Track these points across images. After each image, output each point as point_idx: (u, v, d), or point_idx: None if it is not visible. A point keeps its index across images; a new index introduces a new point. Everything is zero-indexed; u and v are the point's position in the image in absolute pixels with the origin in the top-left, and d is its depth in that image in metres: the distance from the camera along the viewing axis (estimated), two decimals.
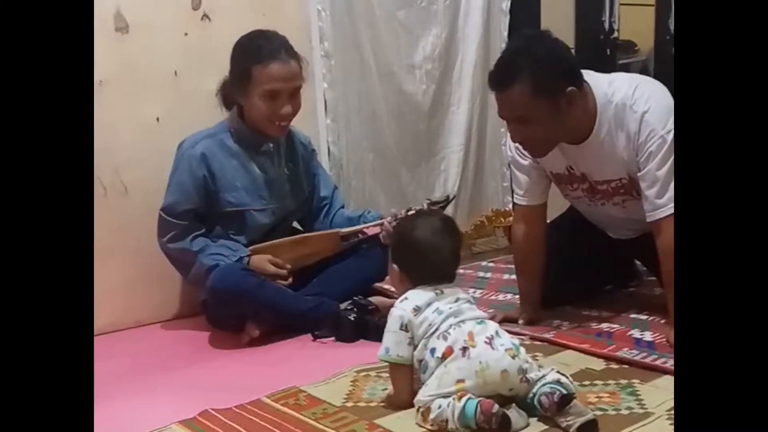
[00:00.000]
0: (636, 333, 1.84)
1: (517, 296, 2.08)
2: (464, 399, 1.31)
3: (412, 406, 1.42)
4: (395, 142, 2.84)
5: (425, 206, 2.14)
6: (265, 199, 2.16)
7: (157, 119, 2.27)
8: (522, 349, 1.42)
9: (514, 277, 2.12)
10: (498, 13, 3.04)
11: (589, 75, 1.79)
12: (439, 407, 1.34)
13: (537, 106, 1.69)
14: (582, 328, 1.92)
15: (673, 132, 1.67)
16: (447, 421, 1.32)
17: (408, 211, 2.13)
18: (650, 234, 1.78)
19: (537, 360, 1.69)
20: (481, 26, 2.99)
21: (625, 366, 1.63)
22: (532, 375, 1.39)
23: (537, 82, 1.66)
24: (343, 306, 2.00)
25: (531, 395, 1.37)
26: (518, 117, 1.73)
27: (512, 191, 2.03)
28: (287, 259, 2.09)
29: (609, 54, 3.21)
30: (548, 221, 2.06)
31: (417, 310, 1.44)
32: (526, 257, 2.02)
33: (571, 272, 2.01)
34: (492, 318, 1.98)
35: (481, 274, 2.68)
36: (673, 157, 1.67)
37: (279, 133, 2.14)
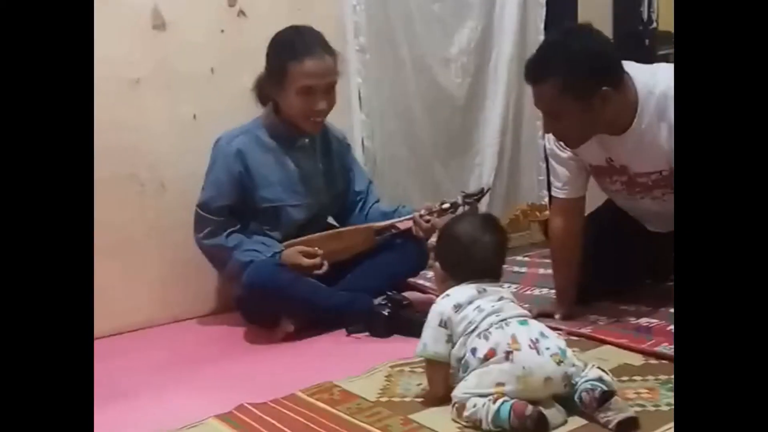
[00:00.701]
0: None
1: (553, 291, 2.06)
2: (499, 401, 1.30)
3: (447, 402, 1.41)
4: (430, 137, 2.83)
5: (459, 199, 2.13)
6: (300, 194, 2.17)
7: (194, 116, 2.29)
8: (569, 352, 1.38)
9: (549, 271, 2.10)
10: (534, 4, 3.01)
11: (630, 66, 1.77)
12: (474, 406, 1.32)
13: (568, 104, 1.68)
14: (620, 323, 1.89)
15: None
16: (481, 421, 1.31)
17: (442, 204, 2.12)
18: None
19: (574, 354, 1.68)
20: (517, 18, 2.96)
21: (665, 361, 1.60)
22: (576, 379, 1.35)
23: (568, 80, 1.66)
24: (377, 301, 2.00)
25: (576, 396, 1.35)
26: (549, 111, 1.73)
27: (549, 184, 2.00)
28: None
29: (648, 45, 3.16)
30: (586, 214, 2.04)
31: (458, 307, 1.43)
32: (563, 251, 1.99)
33: (608, 265, 1.97)
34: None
35: (516, 268, 2.66)
36: None
37: (314, 129, 2.14)
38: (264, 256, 2.03)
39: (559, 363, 1.34)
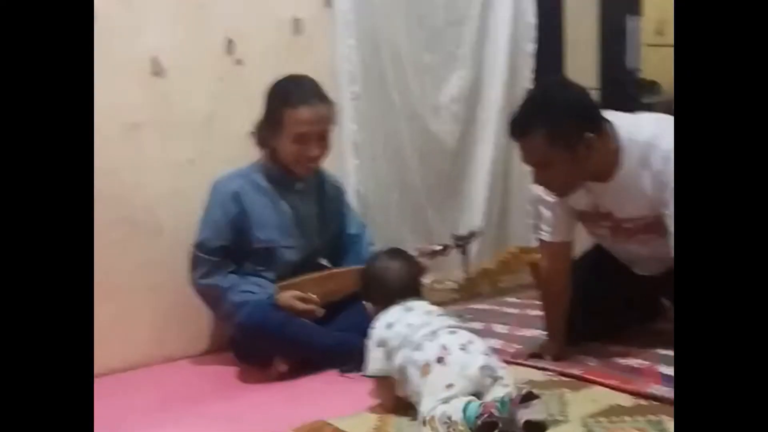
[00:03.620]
0: (664, 369, 1.83)
1: (544, 332, 2.08)
2: (464, 401, 1.42)
3: (395, 411, 1.62)
4: (421, 181, 2.88)
5: (451, 242, 2.16)
6: (294, 236, 2.20)
7: (191, 160, 2.34)
8: (493, 354, 1.56)
9: (539, 312, 2.12)
10: (523, 55, 3.08)
11: (613, 115, 1.83)
12: (443, 411, 1.44)
13: (554, 153, 1.73)
14: (610, 364, 1.90)
15: None
16: (451, 416, 1.41)
17: (433, 246, 2.16)
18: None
19: (565, 395, 1.70)
20: (506, 69, 3.03)
21: (655, 402, 1.62)
22: (503, 376, 1.52)
23: (553, 130, 1.71)
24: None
25: (503, 394, 1.45)
26: (537, 162, 1.79)
27: (537, 228, 2.05)
28: (315, 294, 2.12)
29: (632, 94, 3.24)
30: (574, 257, 2.07)
31: (390, 325, 1.63)
32: (552, 293, 2.03)
33: (596, 308, 2.01)
34: (518, 354, 2.00)
35: (506, 309, 2.68)
36: None
37: (307, 173, 2.19)
38: (258, 297, 2.06)
39: (486, 355, 1.53)
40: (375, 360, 1.64)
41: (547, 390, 1.74)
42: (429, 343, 1.54)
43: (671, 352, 1.94)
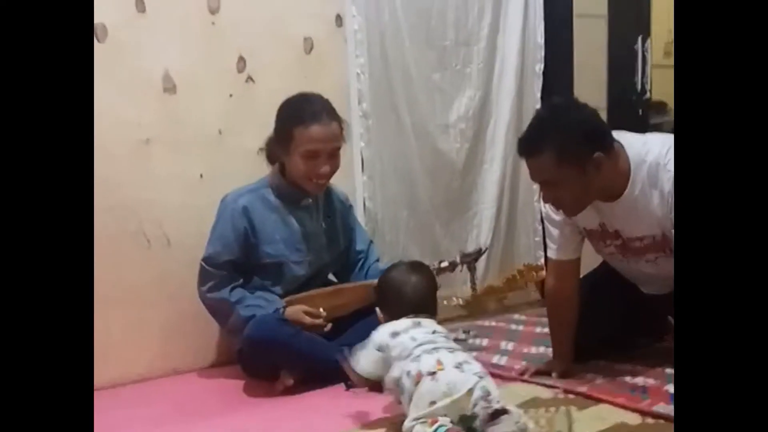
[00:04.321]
0: (671, 388, 1.82)
1: (550, 349, 2.09)
2: (436, 425, 1.43)
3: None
4: (429, 198, 2.89)
5: (458, 259, 2.17)
6: (303, 251, 2.22)
7: (201, 176, 2.36)
8: (488, 377, 1.54)
9: (546, 330, 2.12)
10: (531, 75, 3.10)
11: (621, 135, 1.85)
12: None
13: (563, 173, 1.75)
14: (617, 383, 1.90)
15: None
16: None
17: (440, 263, 2.17)
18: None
19: (571, 413, 1.69)
20: (514, 88, 3.05)
21: (661, 421, 1.62)
22: (494, 403, 1.49)
23: (562, 150, 1.73)
24: None
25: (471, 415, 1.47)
26: (546, 181, 1.81)
27: (545, 245, 2.05)
28: (322, 309, 2.12)
29: (641, 114, 3.25)
30: (582, 275, 2.08)
31: (395, 334, 1.63)
32: (558, 310, 2.03)
33: (603, 326, 2.01)
34: (525, 371, 2.00)
35: (513, 326, 2.68)
36: None
37: (317, 190, 2.21)
38: (266, 311, 2.07)
39: (480, 378, 1.51)
40: (368, 361, 1.65)
41: (553, 407, 1.74)
42: (427, 356, 1.55)
43: None
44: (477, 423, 1.47)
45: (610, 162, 1.78)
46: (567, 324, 2.00)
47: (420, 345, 1.58)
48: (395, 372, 1.58)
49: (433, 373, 1.50)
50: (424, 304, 1.73)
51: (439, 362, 1.52)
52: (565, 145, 1.73)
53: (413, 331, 1.63)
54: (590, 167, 1.75)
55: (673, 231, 1.76)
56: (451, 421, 1.45)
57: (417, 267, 1.84)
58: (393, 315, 1.71)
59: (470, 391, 1.47)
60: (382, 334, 1.65)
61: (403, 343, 1.60)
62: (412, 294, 1.73)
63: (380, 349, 1.63)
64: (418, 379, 1.51)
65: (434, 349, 1.57)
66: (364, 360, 1.66)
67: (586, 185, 1.77)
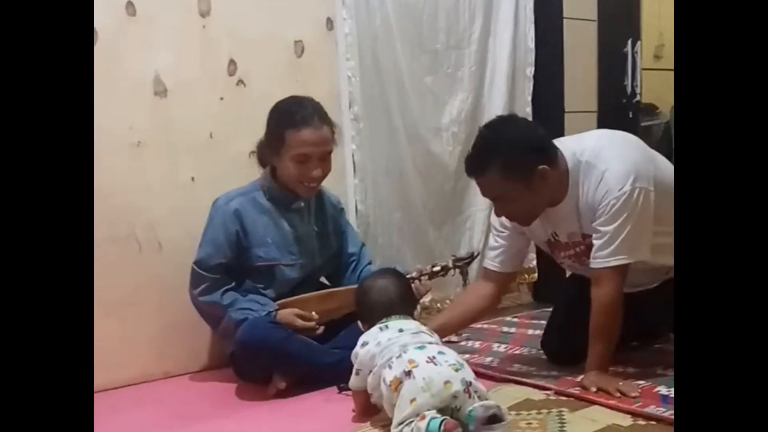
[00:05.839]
0: (663, 390, 1.83)
1: (541, 351, 2.13)
2: (427, 418, 1.43)
3: (368, 416, 1.72)
4: (422, 201, 2.90)
5: (450, 262, 2.18)
6: (294, 254, 2.22)
7: (192, 179, 2.35)
8: (467, 366, 1.57)
9: (538, 332, 2.14)
10: (522, 78, 3.12)
11: (561, 141, 1.93)
12: None
13: (510, 188, 1.83)
14: None
15: (630, 191, 1.78)
16: None
17: (433, 267, 2.17)
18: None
19: (563, 415, 1.70)
20: (505, 91, 3.06)
21: (653, 422, 1.62)
22: (478, 389, 1.53)
23: (506, 167, 1.81)
24: None
25: (470, 408, 1.48)
26: (496, 197, 1.89)
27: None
28: (314, 312, 2.12)
29: (631, 117, 3.27)
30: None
31: (364, 344, 1.69)
32: (468, 307, 2.13)
33: (579, 328, 2.01)
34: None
35: (505, 329, 2.70)
36: (625, 215, 1.79)
37: (308, 193, 2.21)
38: (258, 314, 2.06)
39: (456, 370, 1.53)
40: (353, 376, 1.72)
41: (545, 409, 1.75)
42: (397, 360, 1.58)
43: (669, 373, 1.97)
44: (472, 426, 1.47)
45: (553, 171, 1.85)
46: (464, 316, 2.14)
47: (386, 348, 1.63)
48: (372, 380, 1.63)
49: (408, 372, 1.53)
50: (393, 305, 1.76)
51: (411, 360, 1.55)
52: (509, 161, 1.81)
53: (378, 336, 1.68)
54: (535, 180, 1.82)
55: (595, 227, 1.84)
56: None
57: (383, 271, 1.91)
58: (368, 322, 1.76)
59: (448, 383, 1.50)
60: (357, 347, 1.72)
61: (371, 351, 1.66)
62: (379, 297, 1.78)
63: (357, 363, 1.70)
64: (396, 385, 1.54)
65: (402, 348, 1.60)
66: (352, 376, 1.72)
67: (533, 197, 1.85)
